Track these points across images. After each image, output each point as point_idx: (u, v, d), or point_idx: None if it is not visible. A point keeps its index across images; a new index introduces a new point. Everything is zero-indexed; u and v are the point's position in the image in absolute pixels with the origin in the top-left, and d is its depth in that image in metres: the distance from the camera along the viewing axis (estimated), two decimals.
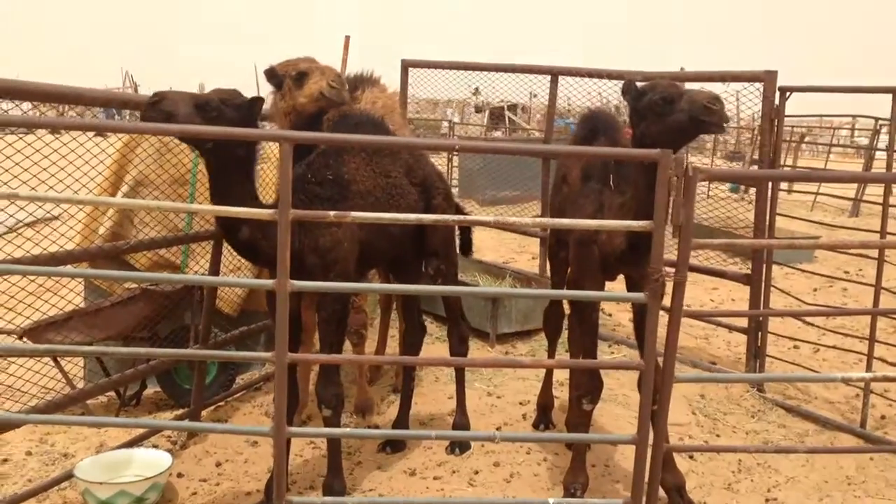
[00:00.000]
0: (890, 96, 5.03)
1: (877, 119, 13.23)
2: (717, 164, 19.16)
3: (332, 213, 2.98)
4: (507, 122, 26.88)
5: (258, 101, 3.42)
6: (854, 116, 14.72)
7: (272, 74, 4.30)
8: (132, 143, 5.42)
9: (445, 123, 21.31)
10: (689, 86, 3.97)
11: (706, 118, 3.29)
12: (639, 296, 3.10)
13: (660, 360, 3.04)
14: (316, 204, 3.71)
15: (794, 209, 14.23)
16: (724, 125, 3.36)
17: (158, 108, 3.23)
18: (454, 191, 15.97)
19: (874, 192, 11.56)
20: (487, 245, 10.79)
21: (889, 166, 5.08)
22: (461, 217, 3.79)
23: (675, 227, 2.89)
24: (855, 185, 14.11)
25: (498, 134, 25.46)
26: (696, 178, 2.86)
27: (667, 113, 3.37)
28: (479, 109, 27.55)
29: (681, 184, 2.86)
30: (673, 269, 2.89)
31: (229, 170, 3.40)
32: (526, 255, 10.00)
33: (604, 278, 4.08)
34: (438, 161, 16.31)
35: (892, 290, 5.85)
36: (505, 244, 10.90)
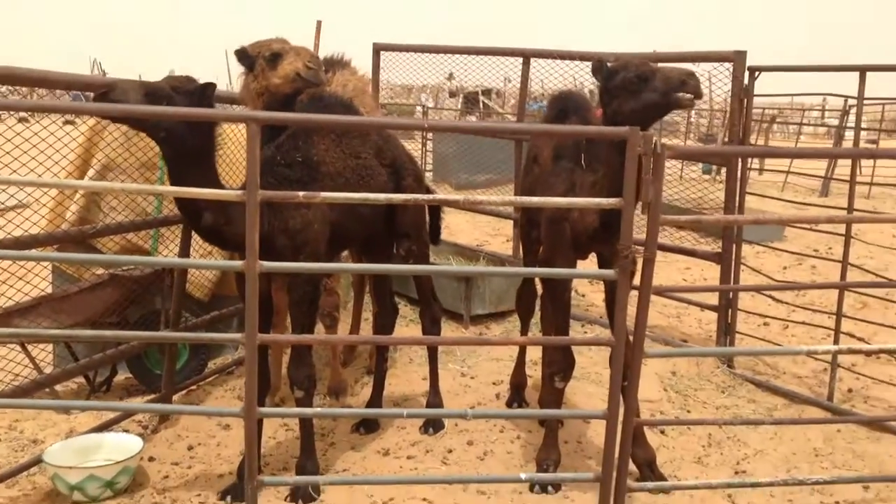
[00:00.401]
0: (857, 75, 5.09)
1: (846, 98, 13.38)
2: (690, 145, 19.28)
3: (301, 193, 2.98)
4: (481, 106, 26.84)
5: (209, 86, 3.40)
6: (824, 96, 14.87)
7: (244, 55, 4.24)
8: (98, 127, 5.34)
9: (419, 108, 21.24)
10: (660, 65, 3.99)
11: (683, 92, 3.33)
12: (609, 273, 3.13)
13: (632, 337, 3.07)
14: (285, 186, 3.68)
15: (765, 189, 14.40)
16: (698, 99, 3.41)
17: (108, 98, 3.19)
18: (428, 175, 16.05)
19: (844, 172, 11.72)
20: (462, 228, 10.79)
21: (856, 143, 5.14)
22: (430, 196, 3.79)
23: (644, 204, 2.92)
24: (825, 166, 14.25)
25: (472, 118, 25.41)
26: (664, 156, 2.89)
27: (641, 90, 3.40)
28: (453, 94, 27.45)
29: (650, 161, 2.88)
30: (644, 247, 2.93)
31: (186, 159, 3.35)
32: (500, 238, 10.00)
33: (575, 257, 4.11)
34: (413, 145, 16.28)
35: (859, 265, 5.95)
36: (479, 227, 10.91)
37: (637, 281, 3.09)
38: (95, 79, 4.34)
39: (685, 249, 6.49)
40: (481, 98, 26.93)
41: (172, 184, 3.43)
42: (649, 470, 4.06)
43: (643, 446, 4.08)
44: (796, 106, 25.55)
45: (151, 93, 3.23)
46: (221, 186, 3.57)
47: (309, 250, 3.74)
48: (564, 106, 4.24)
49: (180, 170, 3.37)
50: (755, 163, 16.02)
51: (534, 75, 7.24)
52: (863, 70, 4.99)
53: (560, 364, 4.04)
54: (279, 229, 3.67)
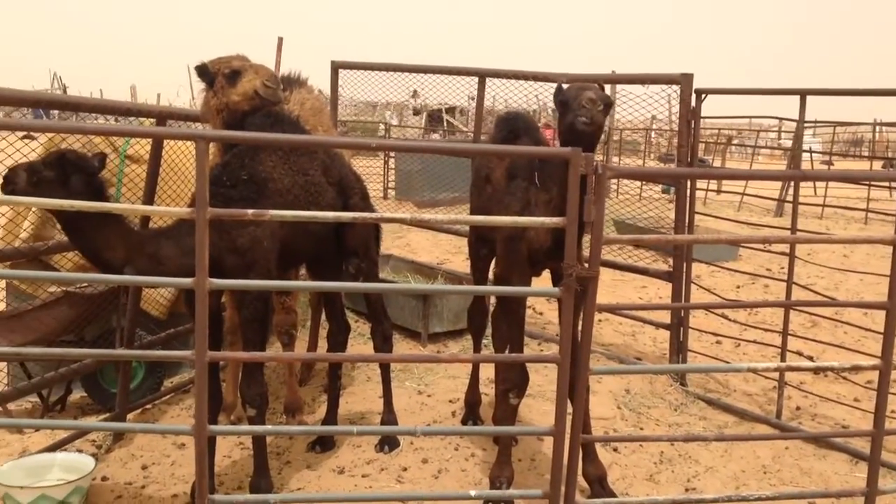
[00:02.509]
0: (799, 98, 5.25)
1: (797, 121, 13.70)
2: (650, 164, 19.56)
3: (250, 211, 3.00)
4: (444, 124, 27.02)
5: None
6: (779, 119, 15.18)
7: (204, 71, 4.27)
8: (49, 145, 5.32)
9: (382, 126, 21.32)
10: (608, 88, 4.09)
11: (580, 117, 3.43)
12: (554, 291, 3.19)
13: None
14: (229, 206, 3.66)
15: (722, 209, 14.68)
16: (591, 126, 3.47)
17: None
18: (391, 193, 16.09)
19: (801, 193, 11.94)
20: (422, 246, 10.85)
21: (797, 165, 5.29)
22: (378, 214, 3.84)
23: (587, 223, 2.99)
24: (779, 186, 14.54)
25: (436, 136, 25.57)
26: (605, 176, 2.96)
27: (565, 114, 3.52)
28: (417, 112, 27.62)
29: (591, 181, 2.96)
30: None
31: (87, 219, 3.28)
32: (461, 256, 10.07)
33: (531, 274, 4.18)
34: (375, 163, 16.33)
35: (808, 285, 6.10)
36: (440, 245, 10.97)
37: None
38: (44, 95, 4.34)
39: (637, 268, 6.60)
40: (445, 116, 27.13)
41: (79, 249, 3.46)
42: (600, 487, 4.12)
43: (594, 463, 4.14)
44: (755, 127, 26.11)
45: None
46: (135, 231, 3.59)
47: (259, 268, 3.74)
48: (514, 127, 4.34)
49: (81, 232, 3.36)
50: (712, 183, 16.30)
51: (498, 94, 7.32)
52: (803, 94, 5.16)
53: (514, 381, 4.08)
54: (227, 248, 3.66)
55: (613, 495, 4.10)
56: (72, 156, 3.31)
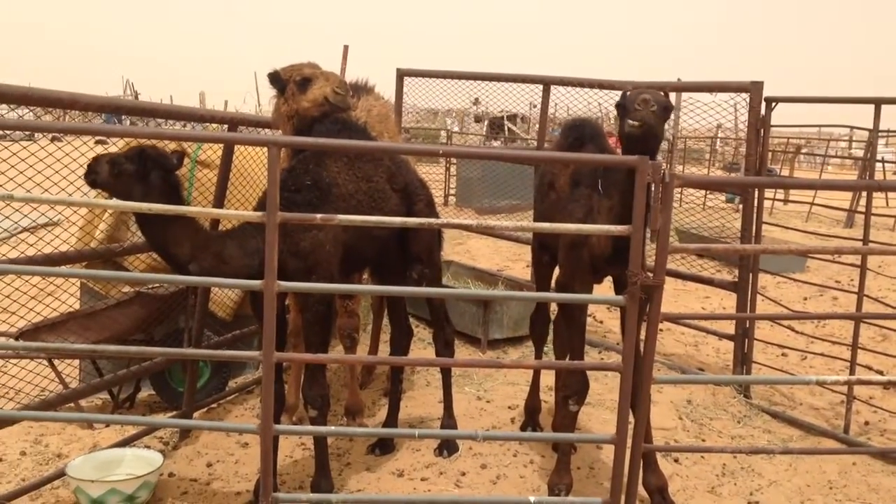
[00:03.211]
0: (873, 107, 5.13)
1: (870, 130, 13.32)
2: (714, 174, 19.22)
3: (318, 215, 3.06)
4: (505, 131, 27.00)
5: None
6: (850, 128, 14.79)
7: (276, 79, 4.36)
8: (125, 148, 5.50)
9: (444, 133, 21.42)
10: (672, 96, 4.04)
11: (632, 119, 3.37)
12: (618, 299, 3.19)
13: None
14: (292, 211, 3.73)
15: (789, 219, 14.35)
16: (643, 128, 3.37)
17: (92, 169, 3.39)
18: (451, 199, 16.16)
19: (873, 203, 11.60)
20: (482, 253, 10.87)
21: (871, 175, 5.17)
22: (443, 220, 3.86)
23: (653, 231, 2.97)
24: (850, 197, 14.16)
25: (497, 143, 25.58)
26: (672, 184, 2.95)
27: (622, 118, 3.49)
28: (478, 119, 27.67)
29: (658, 189, 2.94)
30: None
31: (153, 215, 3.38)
32: (521, 263, 10.06)
33: (592, 281, 4.17)
34: (436, 169, 16.42)
35: (880, 298, 5.94)
36: (500, 252, 10.98)
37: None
38: (118, 101, 4.49)
39: (702, 278, 6.50)
40: (506, 123, 27.11)
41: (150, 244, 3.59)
42: (661, 497, 4.07)
43: (655, 473, 4.09)
44: (824, 136, 25.49)
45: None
46: (203, 229, 3.68)
47: (321, 272, 3.79)
48: (580, 134, 4.32)
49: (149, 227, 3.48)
50: (779, 193, 15.94)
51: (560, 101, 7.31)
52: (878, 102, 5.03)
53: (575, 387, 4.05)
54: (289, 252, 3.70)
55: None
56: (152, 151, 3.44)
